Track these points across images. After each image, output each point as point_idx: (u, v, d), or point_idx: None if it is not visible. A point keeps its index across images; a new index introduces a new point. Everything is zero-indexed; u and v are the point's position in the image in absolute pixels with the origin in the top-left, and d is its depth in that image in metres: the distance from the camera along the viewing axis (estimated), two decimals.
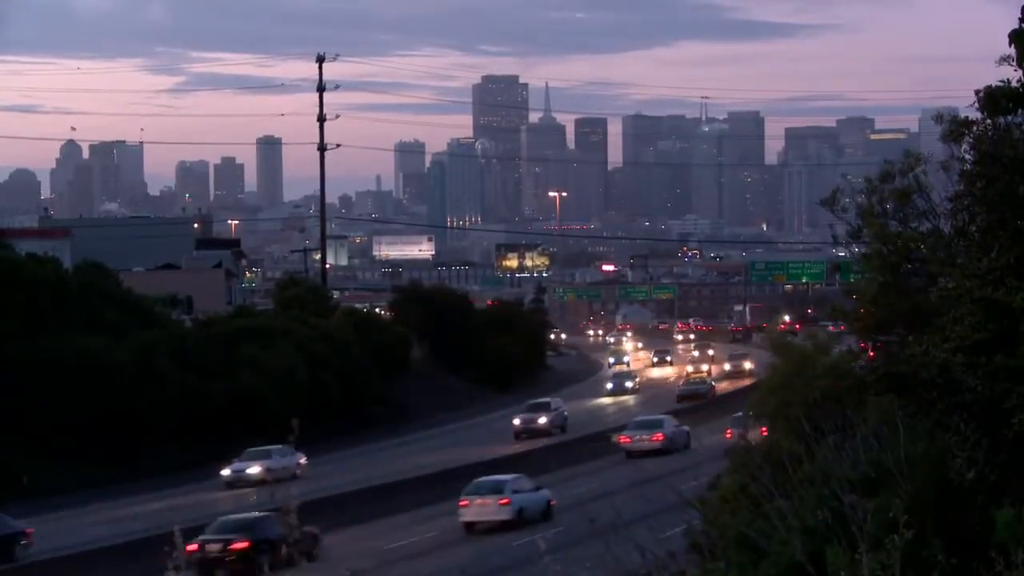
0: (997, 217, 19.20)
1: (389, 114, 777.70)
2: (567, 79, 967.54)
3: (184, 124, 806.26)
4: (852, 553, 13.44)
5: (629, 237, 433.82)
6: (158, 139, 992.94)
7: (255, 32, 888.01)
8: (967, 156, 22.39)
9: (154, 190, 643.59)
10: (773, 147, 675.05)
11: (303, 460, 69.87)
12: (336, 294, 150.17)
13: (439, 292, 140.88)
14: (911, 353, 21.41)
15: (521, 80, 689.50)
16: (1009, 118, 20.24)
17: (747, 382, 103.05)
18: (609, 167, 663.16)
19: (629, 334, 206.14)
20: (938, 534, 14.51)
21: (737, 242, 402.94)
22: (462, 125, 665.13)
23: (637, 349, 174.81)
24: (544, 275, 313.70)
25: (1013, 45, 19.53)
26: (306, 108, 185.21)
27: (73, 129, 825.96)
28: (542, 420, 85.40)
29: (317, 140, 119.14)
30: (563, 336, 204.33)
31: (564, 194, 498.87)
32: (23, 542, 52.73)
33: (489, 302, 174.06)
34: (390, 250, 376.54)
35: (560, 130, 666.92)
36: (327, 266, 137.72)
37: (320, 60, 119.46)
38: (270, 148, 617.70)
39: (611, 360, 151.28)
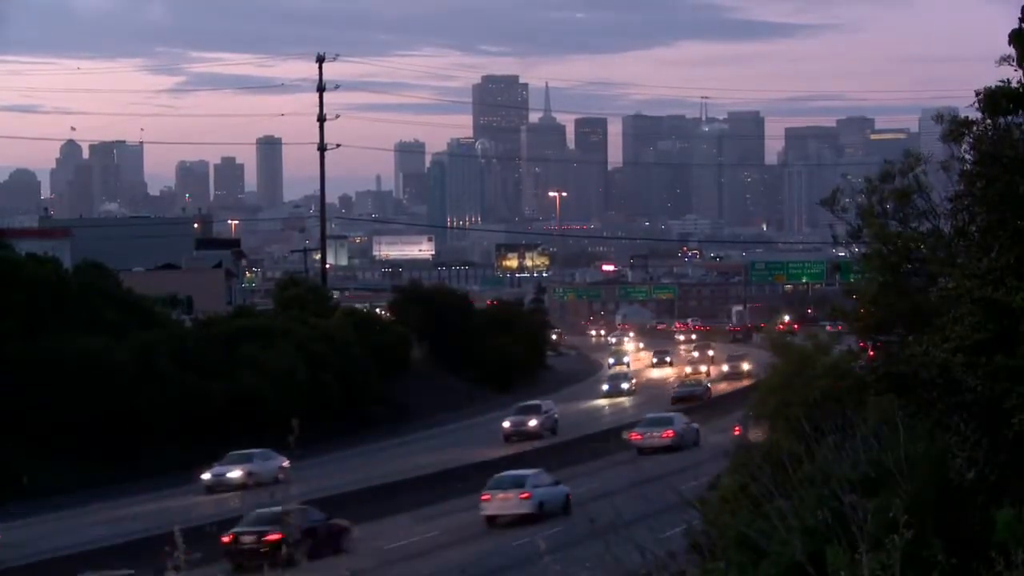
0: (997, 217, 19.20)
1: (389, 114, 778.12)
2: (567, 79, 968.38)
3: (184, 124, 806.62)
4: (852, 553, 13.43)
5: (629, 237, 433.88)
6: (158, 139, 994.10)
7: (255, 32, 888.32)
8: (967, 156, 22.39)
9: (154, 190, 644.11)
10: (773, 147, 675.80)
11: (286, 464, 67.53)
12: (336, 294, 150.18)
13: (439, 292, 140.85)
14: (911, 353, 21.42)
15: (521, 80, 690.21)
16: (1009, 118, 20.25)
17: (745, 383, 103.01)
18: (609, 167, 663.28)
19: (632, 334, 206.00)
20: (938, 534, 14.51)
21: (737, 242, 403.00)
22: (462, 125, 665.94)
23: (639, 349, 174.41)
24: (544, 275, 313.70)
25: (1013, 45, 19.54)
26: (306, 108, 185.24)
27: (73, 129, 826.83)
28: (532, 423, 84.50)
29: (317, 140, 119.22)
30: (565, 336, 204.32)
31: (564, 194, 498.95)
32: None
33: (489, 302, 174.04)
34: (390, 250, 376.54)
35: (560, 130, 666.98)
36: (327, 266, 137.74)
37: (320, 60, 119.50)
38: (270, 148, 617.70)
39: (611, 361, 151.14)
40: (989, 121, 20.45)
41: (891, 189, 31.59)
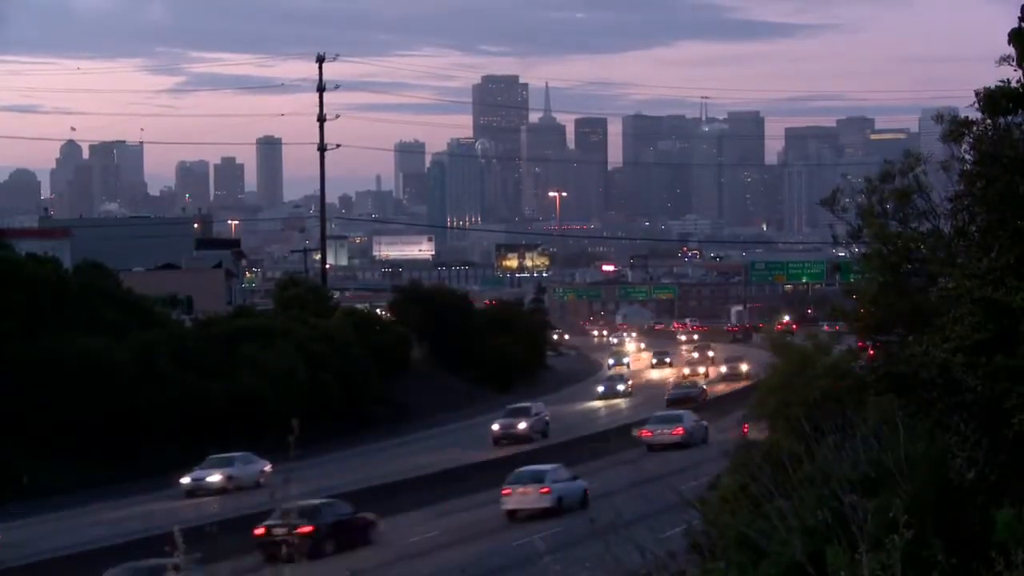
0: (997, 217, 19.20)
1: (389, 114, 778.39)
2: (567, 79, 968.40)
3: (184, 124, 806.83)
4: (852, 553, 13.43)
5: (629, 237, 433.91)
6: (158, 139, 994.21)
7: (255, 32, 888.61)
8: (967, 156, 22.38)
9: (154, 190, 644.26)
10: (773, 147, 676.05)
11: (267, 468, 67.06)
12: (336, 294, 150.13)
13: (439, 292, 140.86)
14: (911, 353, 21.41)
15: (521, 80, 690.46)
16: (1009, 118, 20.24)
17: (743, 384, 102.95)
18: (609, 167, 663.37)
19: (634, 334, 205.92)
20: (938, 534, 14.51)
21: (737, 242, 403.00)
22: (462, 125, 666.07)
23: (640, 350, 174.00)
24: (544, 275, 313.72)
25: (1013, 45, 19.53)
26: (306, 108, 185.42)
27: (73, 129, 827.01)
28: (521, 425, 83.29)
29: (317, 140, 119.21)
30: (566, 336, 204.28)
31: (564, 194, 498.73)
32: None
33: (488, 302, 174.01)
34: (390, 250, 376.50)
35: (560, 130, 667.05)
36: (327, 266, 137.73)
37: (320, 60, 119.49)
38: (270, 148, 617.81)
39: (611, 361, 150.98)
40: (989, 121, 20.44)
41: (891, 189, 31.59)
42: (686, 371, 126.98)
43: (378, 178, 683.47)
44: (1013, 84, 19.80)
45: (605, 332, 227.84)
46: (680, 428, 75.87)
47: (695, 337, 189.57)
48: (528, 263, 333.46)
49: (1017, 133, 20.22)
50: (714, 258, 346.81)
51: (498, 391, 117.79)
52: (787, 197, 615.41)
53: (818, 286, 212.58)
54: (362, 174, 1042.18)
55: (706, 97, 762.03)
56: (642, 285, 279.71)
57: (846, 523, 14.09)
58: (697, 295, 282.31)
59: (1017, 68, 19.67)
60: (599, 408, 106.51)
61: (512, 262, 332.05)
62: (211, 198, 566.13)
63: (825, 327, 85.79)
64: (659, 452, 72.00)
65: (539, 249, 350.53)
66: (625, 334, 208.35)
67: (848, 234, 33.38)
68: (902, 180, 31.40)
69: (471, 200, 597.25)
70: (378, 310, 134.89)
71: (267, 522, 47.11)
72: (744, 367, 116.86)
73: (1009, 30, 19.65)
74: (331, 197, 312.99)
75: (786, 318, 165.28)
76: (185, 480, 67.79)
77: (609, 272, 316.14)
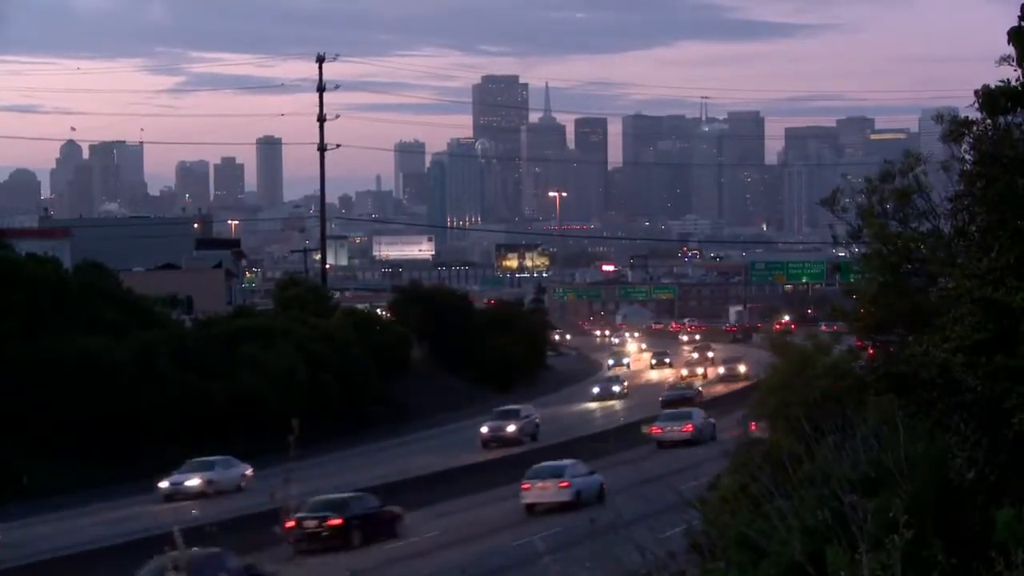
0: (997, 217, 19.19)
1: (389, 114, 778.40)
2: (567, 79, 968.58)
3: (184, 124, 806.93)
4: (852, 553, 13.43)
5: (629, 237, 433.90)
6: (158, 139, 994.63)
7: (255, 32, 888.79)
8: (967, 156, 22.37)
9: (154, 190, 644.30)
10: (773, 147, 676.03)
11: (249, 472, 67.16)
12: (336, 294, 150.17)
13: (439, 292, 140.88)
14: (911, 353, 21.40)
15: (521, 80, 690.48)
16: (1009, 118, 20.23)
17: (741, 385, 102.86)
18: (609, 167, 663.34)
19: (636, 334, 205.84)
20: (938, 534, 14.50)
21: (737, 242, 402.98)
22: (462, 125, 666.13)
23: (641, 350, 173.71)
24: (544, 275, 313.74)
25: (1012, 43, 19.52)
26: (306, 108, 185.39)
27: (73, 129, 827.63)
28: (510, 428, 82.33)
29: (317, 140, 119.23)
30: (567, 336, 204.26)
31: (564, 194, 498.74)
32: None
33: (488, 302, 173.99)
34: (390, 250, 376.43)
35: (560, 130, 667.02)
36: (327, 266, 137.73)
37: (320, 60, 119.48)
38: (270, 148, 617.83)
39: (611, 361, 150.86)
40: (989, 121, 20.43)
41: (891, 189, 31.54)
42: (684, 372, 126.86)
43: (378, 178, 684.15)
44: (1012, 83, 19.80)
45: (607, 332, 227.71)
46: (690, 425, 77.20)
47: (696, 337, 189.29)
48: (528, 263, 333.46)
49: (1017, 133, 20.20)
50: (714, 258, 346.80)
51: (498, 391, 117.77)
52: (787, 197, 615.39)
53: (818, 286, 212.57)
54: (362, 174, 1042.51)
55: (706, 97, 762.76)
56: (642, 285, 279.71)
57: (846, 523, 14.09)
58: (697, 295, 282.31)
59: (1017, 67, 19.66)
60: (594, 409, 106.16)
61: (512, 262, 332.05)
62: (211, 198, 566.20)
63: (823, 327, 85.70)
64: (669, 449, 72.83)
65: (539, 249, 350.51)
66: (627, 334, 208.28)
67: (848, 234, 33.33)
68: (902, 180, 31.35)
69: (471, 200, 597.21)
70: (378, 310, 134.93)
71: (297, 515, 48.42)
72: (742, 368, 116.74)
73: (1008, 29, 19.64)
74: (331, 197, 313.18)
75: (786, 318, 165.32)
76: (164, 484, 66.65)
77: (609, 272, 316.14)
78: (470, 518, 56.44)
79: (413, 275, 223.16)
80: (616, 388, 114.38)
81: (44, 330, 78.22)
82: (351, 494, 53.44)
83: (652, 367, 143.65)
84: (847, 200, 33.61)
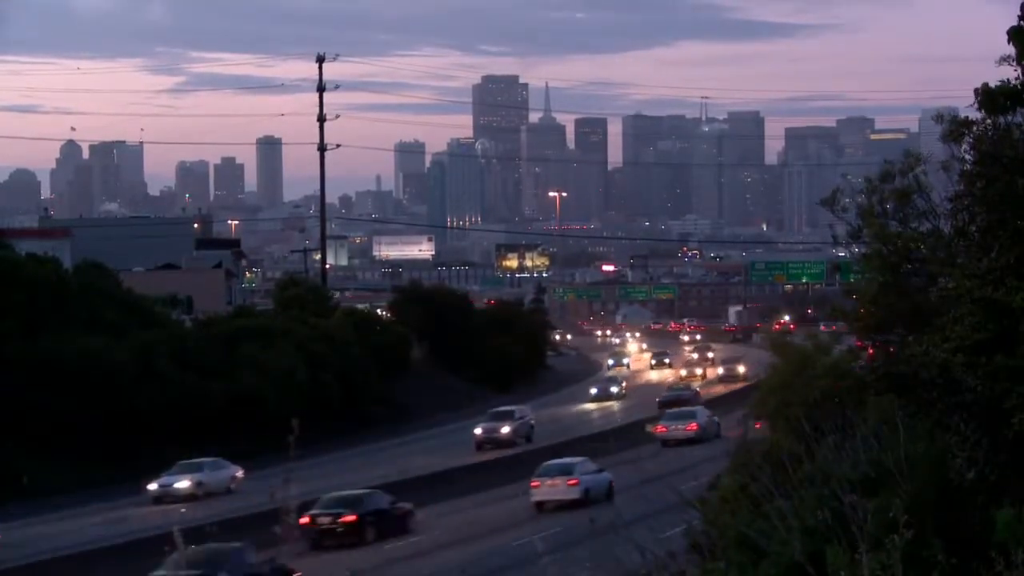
0: (997, 217, 19.19)
1: (389, 114, 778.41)
2: (567, 79, 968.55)
3: (184, 124, 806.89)
4: (852, 553, 13.43)
5: (629, 237, 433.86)
6: (158, 139, 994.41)
7: (255, 32, 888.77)
8: (967, 156, 22.37)
9: (154, 190, 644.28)
10: (773, 147, 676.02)
11: (239, 474, 66.92)
12: (336, 294, 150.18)
13: (439, 292, 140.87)
14: (911, 353, 21.40)
15: (521, 80, 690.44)
16: (1009, 118, 20.23)
17: (740, 386, 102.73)
18: (609, 167, 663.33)
19: (638, 334, 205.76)
20: (938, 534, 14.50)
21: (737, 242, 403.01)
22: (462, 125, 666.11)
23: (642, 350, 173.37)
24: (544, 275, 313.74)
25: (1012, 42, 19.52)
26: (306, 108, 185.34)
27: (73, 129, 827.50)
28: (504, 429, 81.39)
29: (317, 140, 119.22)
30: (568, 336, 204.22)
31: (564, 194, 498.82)
32: None
33: (488, 302, 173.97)
34: (390, 250, 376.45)
35: (560, 130, 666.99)
36: (327, 266, 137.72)
37: (320, 60, 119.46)
38: (270, 148, 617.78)
39: (611, 362, 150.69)
40: (989, 121, 20.43)
41: (891, 189, 31.52)
42: (683, 373, 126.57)
43: (378, 178, 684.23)
44: (1012, 82, 19.80)
45: (608, 332, 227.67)
46: (694, 424, 77.68)
47: (697, 337, 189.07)
48: (528, 263, 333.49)
49: (1017, 133, 20.21)
50: (714, 258, 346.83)
51: (498, 391, 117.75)
52: (787, 197, 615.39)
53: (818, 286, 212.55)
54: (362, 174, 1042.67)
55: (706, 97, 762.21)
56: (642, 285, 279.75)
57: (846, 523, 14.09)
58: (697, 295, 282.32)
59: (1016, 66, 19.67)
60: (592, 411, 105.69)
61: (512, 262, 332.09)
62: (211, 198, 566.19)
63: (822, 327, 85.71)
64: (674, 447, 73.16)
65: (539, 249, 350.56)
66: (628, 334, 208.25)
67: (848, 234, 33.31)
68: (902, 180, 31.34)
69: (471, 200, 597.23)
70: (378, 310, 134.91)
71: (312, 511, 49.67)
72: (741, 369, 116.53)
73: (1008, 28, 19.65)
74: (331, 197, 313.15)
75: (785, 318, 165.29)
76: (152, 486, 65.99)
77: (609, 272, 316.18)
78: (470, 518, 56.44)
79: (413, 275, 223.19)
80: (614, 389, 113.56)
81: (44, 330, 78.21)
82: (364, 491, 54.08)
83: (652, 367, 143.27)
84: (847, 200, 33.60)
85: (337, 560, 46.39)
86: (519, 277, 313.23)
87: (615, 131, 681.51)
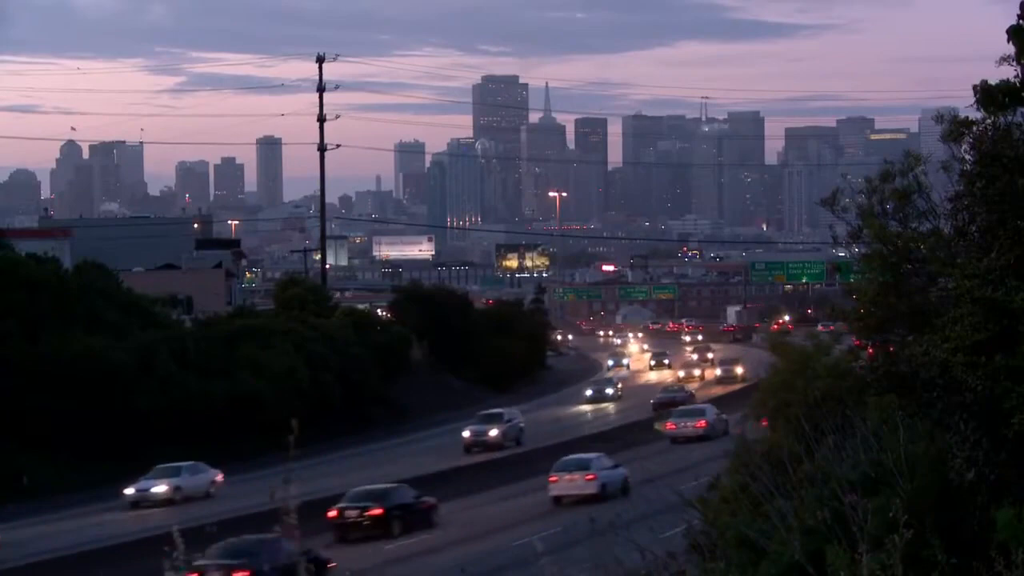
0: (997, 217, 19.18)
1: (389, 114, 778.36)
2: (567, 79, 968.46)
3: (184, 124, 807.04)
4: (852, 553, 13.42)
5: (629, 237, 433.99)
6: (158, 139, 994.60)
7: (255, 32, 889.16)
8: (967, 156, 22.36)
9: (154, 190, 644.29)
10: (773, 147, 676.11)
11: (219, 478, 66.46)
12: (336, 294, 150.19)
13: (439, 292, 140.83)
14: (911, 353, 21.39)
15: (521, 80, 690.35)
16: (1009, 117, 20.22)
17: (738, 387, 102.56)
18: (609, 167, 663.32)
19: (640, 335, 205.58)
20: (938, 534, 14.50)
21: (737, 242, 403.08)
22: (462, 125, 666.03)
23: (643, 351, 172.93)
24: (544, 275, 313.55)
25: (1011, 41, 19.51)
26: (306, 108, 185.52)
27: (73, 129, 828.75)
28: (493, 432, 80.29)
29: (317, 140, 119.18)
30: (569, 336, 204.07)
31: (564, 194, 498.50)
32: None
33: (488, 302, 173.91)
34: (390, 250, 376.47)
35: (560, 130, 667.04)
36: (327, 266, 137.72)
37: (320, 60, 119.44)
38: (270, 148, 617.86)
39: (610, 362, 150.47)
40: (989, 121, 20.42)
41: (891, 189, 31.49)
42: (680, 374, 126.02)
43: (378, 178, 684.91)
44: (1012, 81, 19.79)
45: (609, 332, 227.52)
46: (703, 421, 78.50)
47: (699, 338, 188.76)
48: (528, 263, 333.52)
49: (1017, 133, 20.20)
50: (714, 258, 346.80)
51: (498, 391, 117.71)
52: (787, 197, 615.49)
53: (818, 286, 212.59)
54: (362, 174, 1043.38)
55: (706, 97, 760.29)
56: (642, 285, 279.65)
57: (846, 523, 14.08)
58: (697, 295, 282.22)
59: (1016, 66, 19.66)
60: (586, 412, 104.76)
61: (512, 262, 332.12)
62: (211, 198, 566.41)
63: (820, 327, 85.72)
64: (683, 444, 73.91)
65: (539, 249, 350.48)
66: (629, 334, 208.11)
67: (848, 234, 33.28)
68: (902, 180, 31.29)
69: (471, 200, 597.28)
70: (378, 310, 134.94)
71: (339, 504, 51.58)
72: (739, 370, 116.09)
73: (1008, 27, 19.64)
74: (331, 197, 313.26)
75: (785, 318, 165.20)
76: (129, 491, 64.84)
77: (609, 272, 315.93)
78: (470, 518, 56.43)
79: (413, 275, 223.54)
80: (609, 391, 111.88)
81: (44, 330, 78.22)
82: (390, 484, 55.17)
83: (651, 368, 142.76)
84: (847, 200, 33.55)
85: (362, 553, 47.49)
86: (519, 277, 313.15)
87: (615, 131, 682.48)
